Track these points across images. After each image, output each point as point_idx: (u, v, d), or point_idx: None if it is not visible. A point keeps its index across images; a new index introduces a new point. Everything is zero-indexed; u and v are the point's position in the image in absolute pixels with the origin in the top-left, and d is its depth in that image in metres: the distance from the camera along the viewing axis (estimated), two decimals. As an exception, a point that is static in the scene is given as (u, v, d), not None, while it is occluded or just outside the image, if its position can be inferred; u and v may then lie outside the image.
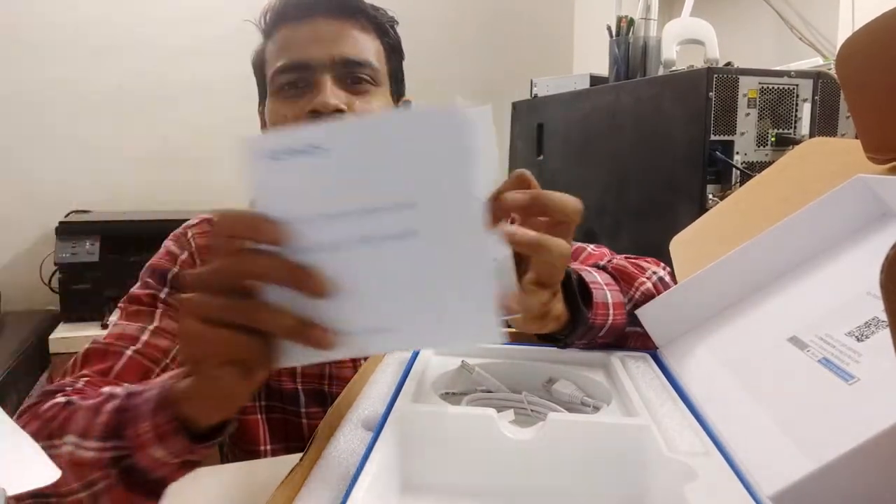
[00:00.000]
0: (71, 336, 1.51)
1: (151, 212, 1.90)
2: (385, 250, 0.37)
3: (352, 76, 0.71)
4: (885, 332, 0.39)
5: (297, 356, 0.39)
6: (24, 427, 0.55)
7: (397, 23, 0.78)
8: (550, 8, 2.48)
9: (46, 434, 0.53)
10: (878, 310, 0.41)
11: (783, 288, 0.52)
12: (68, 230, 1.61)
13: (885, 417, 0.32)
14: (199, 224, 0.78)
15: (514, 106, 2.01)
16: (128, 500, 0.49)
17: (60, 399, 0.56)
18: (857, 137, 0.56)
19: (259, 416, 0.74)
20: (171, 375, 0.49)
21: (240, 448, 0.75)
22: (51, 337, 1.51)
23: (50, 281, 1.79)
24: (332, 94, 0.68)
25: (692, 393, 0.48)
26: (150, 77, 1.95)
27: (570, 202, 0.45)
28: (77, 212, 1.86)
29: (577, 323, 0.56)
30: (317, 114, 0.68)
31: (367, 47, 0.72)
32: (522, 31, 2.43)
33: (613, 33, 1.66)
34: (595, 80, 1.75)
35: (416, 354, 0.57)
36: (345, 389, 0.52)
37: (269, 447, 0.74)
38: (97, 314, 1.59)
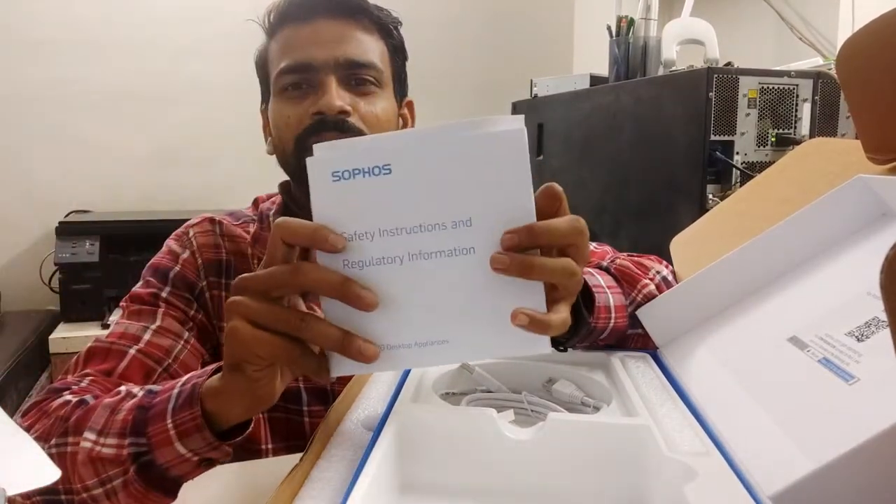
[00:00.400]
0: (71, 336, 1.51)
1: (151, 212, 1.90)
2: (440, 266, 0.38)
3: (356, 77, 0.71)
4: (885, 332, 0.39)
5: (346, 367, 0.40)
6: (31, 424, 0.56)
7: (401, 24, 0.78)
8: (550, 8, 2.48)
9: (61, 431, 0.53)
10: (878, 310, 0.41)
11: (783, 288, 0.52)
12: (68, 230, 1.61)
13: (885, 417, 0.32)
14: (201, 223, 0.78)
15: (514, 106, 2.01)
16: (144, 496, 0.50)
17: (70, 397, 0.57)
18: (857, 137, 0.56)
19: (261, 415, 0.74)
20: (196, 374, 0.50)
21: (241, 447, 0.75)
22: (51, 337, 1.51)
23: (50, 281, 1.79)
24: (338, 95, 0.68)
25: (692, 393, 0.48)
26: (150, 77, 1.95)
27: (562, 228, 0.42)
28: (77, 212, 1.86)
29: (578, 327, 0.56)
30: (321, 115, 0.68)
31: (370, 48, 0.72)
32: (522, 31, 2.43)
33: (613, 33, 1.66)
34: (595, 80, 1.75)
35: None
36: (345, 389, 0.52)
37: (270, 446, 0.73)
38: (97, 314, 1.59)
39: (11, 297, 1.78)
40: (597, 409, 0.51)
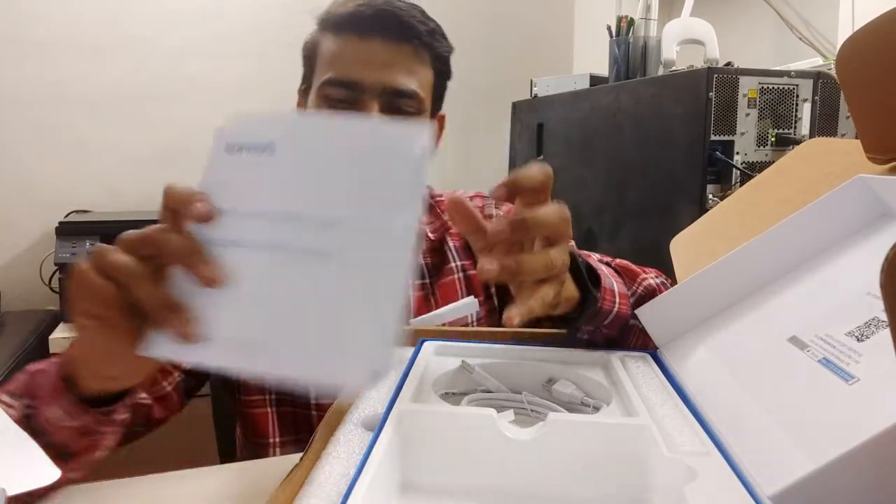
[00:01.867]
0: (71, 336, 1.51)
1: (151, 212, 1.89)
2: (291, 263, 0.35)
3: (397, 106, 0.73)
4: (885, 332, 0.39)
5: (160, 348, 0.37)
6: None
7: (453, 51, 0.79)
8: (550, 8, 2.48)
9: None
10: (878, 310, 0.41)
11: (783, 288, 0.52)
12: (68, 230, 1.61)
13: (885, 417, 0.32)
14: None
15: (514, 106, 2.01)
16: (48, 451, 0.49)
17: None
18: (857, 137, 0.56)
19: (268, 410, 0.74)
20: None
21: (250, 441, 0.75)
22: (51, 337, 1.51)
23: (50, 281, 1.79)
24: None
25: (692, 393, 0.48)
26: (150, 77, 1.95)
27: (550, 218, 0.43)
28: (77, 212, 1.86)
29: (586, 304, 0.55)
30: None
31: (417, 77, 0.74)
32: (522, 31, 2.43)
33: (613, 33, 1.66)
34: (595, 80, 1.75)
35: (415, 355, 0.57)
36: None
37: (277, 440, 0.74)
38: (97, 314, 1.59)
39: (11, 297, 1.78)
40: (597, 409, 0.51)
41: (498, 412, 0.44)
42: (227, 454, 1.00)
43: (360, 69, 0.71)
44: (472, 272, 0.83)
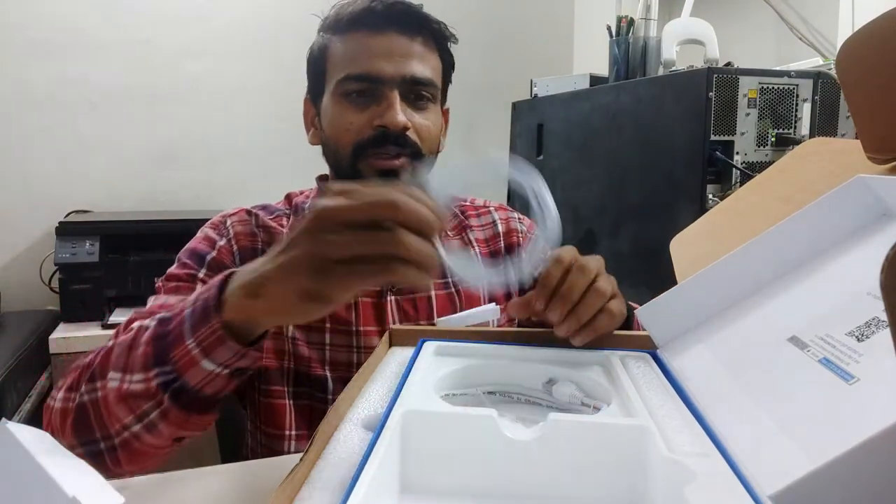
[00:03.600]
0: (71, 336, 1.51)
1: (151, 212, 1.90)
2: None
3: (416, 93, 0.75)
4: (885, 332, 0.39)
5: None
6: (67, 382, 0.58)
7: (457, 40, 0.82)
8: (550, 8, 2.48)
9: (88, 377, 0.55)
10: (878, 310, 0.41)
11: (783, 288, 0.52)
12: (68, 230, 1.61)
13: (885, 417, 0.32)
14: (238, 213, 0.81)
15: (514, 106, 2.01)
16: (186, 419, 0.52)
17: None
18: (857, 137, 0.56)
19: (287, 401, 0.75)
20: (202, 290, 0.51)
21: (265, 432, 0.76)
22: (51, 337, 1.50)
23: (50, 281, 1.79)
24: (401, 111, 0.72)
25: (692, 393, 0.48)
26: (150, 77, 1.95)
27: (591, 270, 0.58)
28: (77, 212, 1.86)
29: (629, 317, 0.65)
30: (384, 128, 0.72)
31: (431, 65, 0.77)
32: (522, 31, 2.43)
33: (613, 33, 1.66)
34: (595, 80, 1.75)
35: (415, 355, 0.57)
36: (345, 389, 0.52)
37: (294, 432, 0.74)
38: (97, 314, 1.59)
39: (11, 297, 1.78)
40: (597, 409, 0.51)
41: (498, 412, 0.44)
42: (228, 454, 1.00)
43: (379, 62, 0.72)
44: None
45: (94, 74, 1.89)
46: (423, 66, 0.75)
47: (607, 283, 0.59)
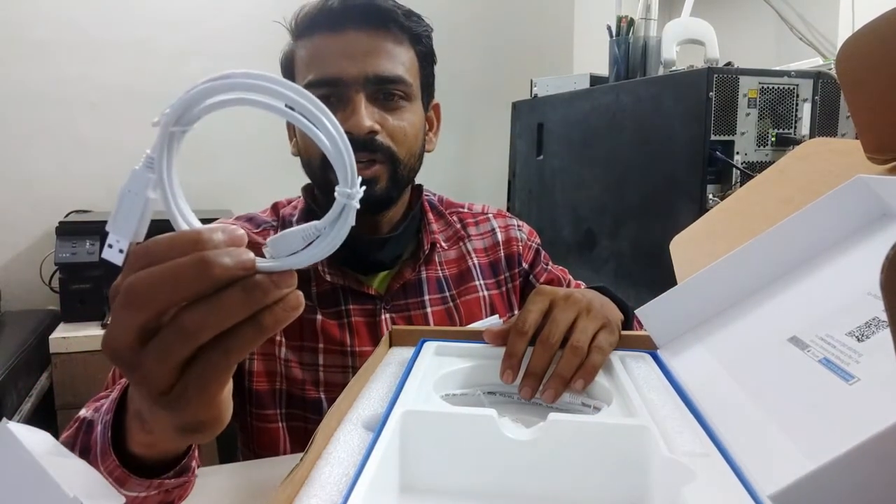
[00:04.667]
0: (71, 336, 1.51)
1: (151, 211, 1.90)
2: None
3: (384, 92, 0.70)
4: (885, 332, 0.39)
5: None
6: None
7: (432, 30, 0.77)
8: (550, 8, 2.48)
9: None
10: (878, 310, 0.41)
11: (783, 288, 0.52)
12: (68, 230, 1.61)
13: (885, 417, 0.32)
14: (236, 221, 0.80)
15: (514, 106, 2.01)
16: (167, 495, 0.47)
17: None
18: (857, 137, 0.56)
19: (280, 424, 0.73)
20: (107, 407, 0.45)
21: (260, 455, 0.74)
22: (51, 337, 1.50)
23: (50, 281, 1.79)
24: (367, 114, 0.68)
25: (692, 393, 0.48)
26: (150, 77, 1.95)
27: (560, 329, 0.54)
28: (77, 212, 1.86)
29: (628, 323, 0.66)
30: (350, 135, 0.67)
31: (400, 61, 0.71)
32: (522, 31, 2.43)
33: (613, 33, 1.66)
34: (595, 80, 1.75)
35: (416, 355, 0.57)
36: (345, 389, 0.52)
37: (288, 455, 0.73)
38: (97, 314, 1.59)
39: (11, 297, 1.78)
40: (597, 410, 0.51)
41: (498, 412, 0.44)
42: (228, 454, 1.00)
43: (338, 63, 0.68)
44: (494, 292, 0.83)
45: (94, 74, 1.89)
46: (391, 62, 0.70)
47: (590, 322, 0.55)
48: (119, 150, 1.93)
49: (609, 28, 1.67)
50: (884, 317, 0.39)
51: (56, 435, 0.36)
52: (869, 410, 0.35)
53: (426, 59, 0.77)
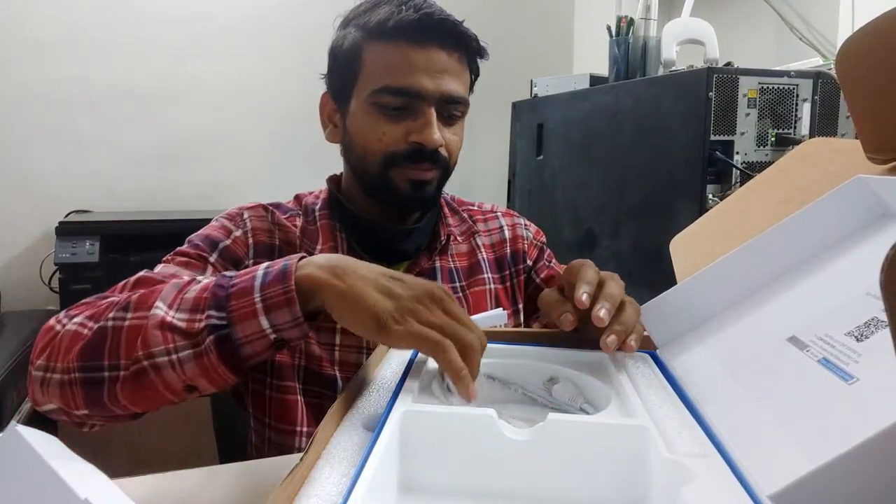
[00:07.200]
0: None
1: (151, 212, 1.90)
2: None
3: (449, 111, 0.76)
4: (885, 332, 0.39)
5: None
6: (79, 312, 0.58)
7: (489, 57, 0.83)
8: (550, 8, 2.49)
9: (120, 307, 0.55)
10: (877, 310, 0.41)
11: (783, 288, 0.52)
12: (68, 230, 1.61)
13: (885, 417, 0.32)
14: (255, 208, 0.81)
15: (514, 106, 2.01)
16: (213, 369, 0.52)
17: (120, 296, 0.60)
18: (857, 137, 0.56)
19: (299, 397, 0.75)
20: (281, 259, 0.54)
21: (276, 428, 0.76)
22: (51, 337, 1.50)
23: (50, 281, 1.79)
24: (438, 129, 0.73)
25: (692, 393, 0.48)
26: (150, 77, 1.95)
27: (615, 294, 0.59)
28: (77, 212, 1.86)
29: None
30: (419, 146, 0.73)
31: (464, 82, 0.78)
32: (522, 31, 2.43)
33: (613, 33, 1.66)
34: (595, 80, 1.75)
35: (416, 354, 0.57)
36: (345, 389, 0.52)
37: (304, 428, 0.75)
38: (97, 314, 1.59)
39: (11, 297, 1.78)
40: (597, 409, 0.51)
41: (498, 413, 0.44)
42: (228, 454, 1.01)
43: (420, 77, 0.72)
44: (499, 287, 0.87)
45: (94, 74, 1.89)
46: (458, 83, 0.75)
47: (616, 287, 0.61)
48: (119, 150, 1.94)
49: (609, 28, 1.67)
50: (883, 317, 0.39)
51: (58, 435, 0.36)
52: (868, 410, 0.35)
53: (474, 82, 0.83)
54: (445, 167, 0.77)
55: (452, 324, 0.50)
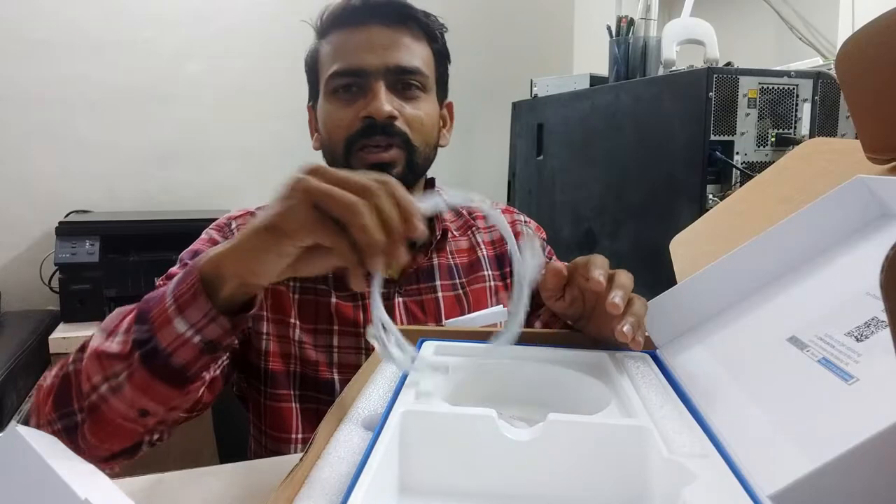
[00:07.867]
0: (71, 336, 1.51)
1: (151, 212, 1.90)
2: None
3: (403, 82, 0.75)
4: (885, 332, 0.39)
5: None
6: (61, 361, 0.59)
7: (446, 30, 0.82)
8: (550, 8, 2.48)
9: (79, 349, 0.56)
10: (877, 310, 0.41)
11: (783, 288, 0.52)
12: (68, 230, 1.61)
13: (885, 417, 0.32)
14: (243, 216, 0.81)
15: (514, 106, 2.01)
16: (149, 385, 0.51)
17: None
18: (857, 137, 0.56)
19: (293, 405, 0.75)
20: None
21: (271, 436, 0.76)
22: (51, 337, 1.51)
23: (50, 281, 1.79)
24: (386, 100, 0.72)
25: (692, 393, 0.48)
26: (150, 77, 1.95)
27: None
28: (77, 212, 1.86)
29: None
30: (370, 119, 0.72)
31: (418, 55, 0.77)
32: (522, 31, 2.43)
33: (613, 33, 1.66)
34: (595, 80, 1.75)
35: (416, 354, 0.57)
36: (345, 389, 0.52)
37: (300, 435, 0.75)
38: (97, 314, 1.59)
39: (11, 297, 1.78)
40: (596, 410, 0.51)
41: (498, 413, 0.44)
42: (227, 454, 1.01)
43: (361, 55, 0.73)
44: (499, 284, 0.87)
45: (94, 74, 1.89)
46: (409, 55, 0.75)
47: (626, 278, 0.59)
48: (119, 150, 1.94)
49: (609, 28, 1.67)
50: (883, 317, 0.39)
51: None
52: (868, 410, 0.35)
53: (441, 57, 0.82)
54: (406, 143, 0.74)
55: (354, 177, 0.44)
